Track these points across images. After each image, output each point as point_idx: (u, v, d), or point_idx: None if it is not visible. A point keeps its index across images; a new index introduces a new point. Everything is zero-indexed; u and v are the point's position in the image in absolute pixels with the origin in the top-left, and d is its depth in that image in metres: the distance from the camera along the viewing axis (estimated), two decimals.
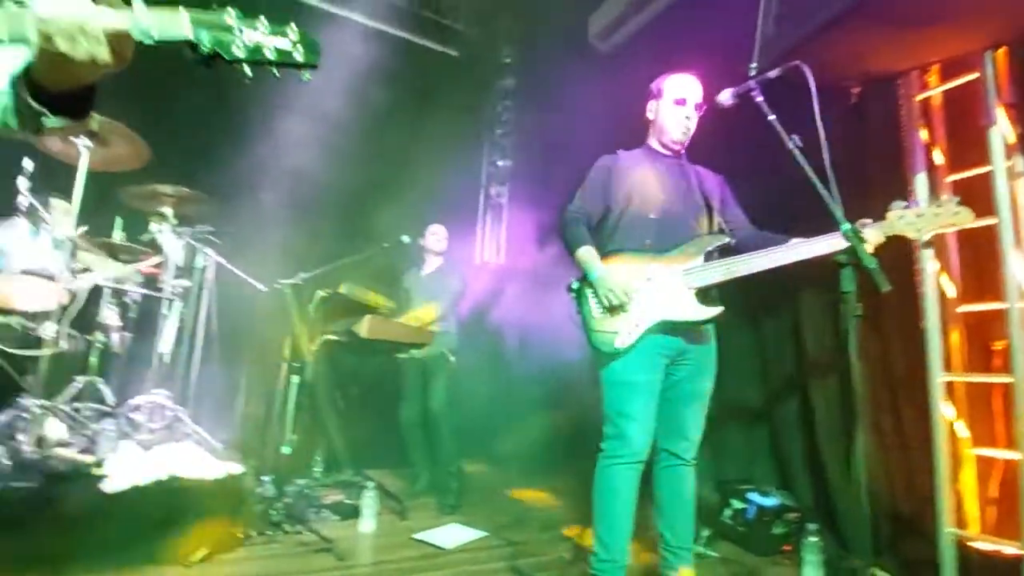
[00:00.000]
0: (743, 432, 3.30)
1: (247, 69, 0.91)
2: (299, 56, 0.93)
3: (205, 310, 3.52)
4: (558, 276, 2.08)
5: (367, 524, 2.84)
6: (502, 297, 4.56)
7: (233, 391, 4.16)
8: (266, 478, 2.95)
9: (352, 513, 2.93)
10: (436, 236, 3.88)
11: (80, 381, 3.01)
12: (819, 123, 1.61)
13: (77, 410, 2.94)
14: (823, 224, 1.67)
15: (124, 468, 2.46)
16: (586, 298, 2.04)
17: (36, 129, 0.95)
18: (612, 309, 1.95)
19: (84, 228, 2.85)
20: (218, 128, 3.87)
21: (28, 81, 0.88)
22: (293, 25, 0.94)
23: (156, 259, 3.16)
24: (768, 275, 1.88)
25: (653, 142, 2.21)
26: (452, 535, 2.83)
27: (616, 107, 2.28)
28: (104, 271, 3.00)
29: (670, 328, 1.97)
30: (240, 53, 0.89)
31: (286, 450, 3.03)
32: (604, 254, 2.04)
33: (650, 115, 2.21)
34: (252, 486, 2.81)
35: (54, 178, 2.85)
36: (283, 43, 0.92)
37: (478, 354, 4.30)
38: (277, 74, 0.94)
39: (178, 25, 0.86)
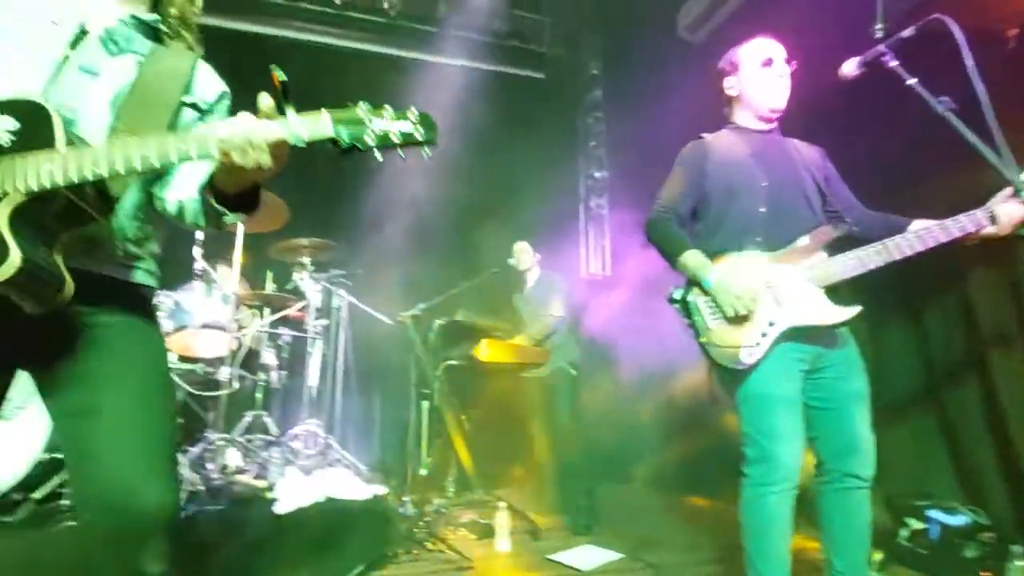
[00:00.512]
0: (910, 440, 2.87)
1: (378, 155, 1.03)
2: (420, 136, 1.03)
3: (343, 346, 3.89)
4: (668, 284, 1.93)
5: (502, 544, 2.89)
6: (611, 309, 4.49)
7: (371, 418, 4.55)
8: (406, 499, 3.14)
9: (487, 532, 3.01)
10: (521, 253, 3.94)
11: (249, 415, 3.47)
12: (975, 78, 1.38)
13: (250, 440, 3.39)
14: (953, 198, 1.43)
15: (290, 492, 2.78)
16: (696, 308, 1.80)
17: (218, 225, 1.16)
18: (735, 319, 1.71)
19: (244, 284, 3.32)
20: (341, 179, 4.32)
21: (211, 187, 1.07)
22: (413, 108, 1.04)
23: (300, 304, 3.57)
24: (916, 259, 1.64)
25: (741, 118, 1.93)
26: (588, 556, 2.78)
27: (712, 99, 2.12)
28: (262, 320, 3.46)
29: (803, 335, 1.72)
30: (372, 142, 1.00)
31: (423, 472, 3.22)
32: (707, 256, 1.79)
33: (731, 91, 1.93)
34: (395, 506, 3.01)
35: (219, 245, 3.37)
36: (406, 126, 1.02)
37: (593, 369, 4.26)
38: (403, 156, 1.05)
39: (322, 127, 0.99)
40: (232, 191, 1.05)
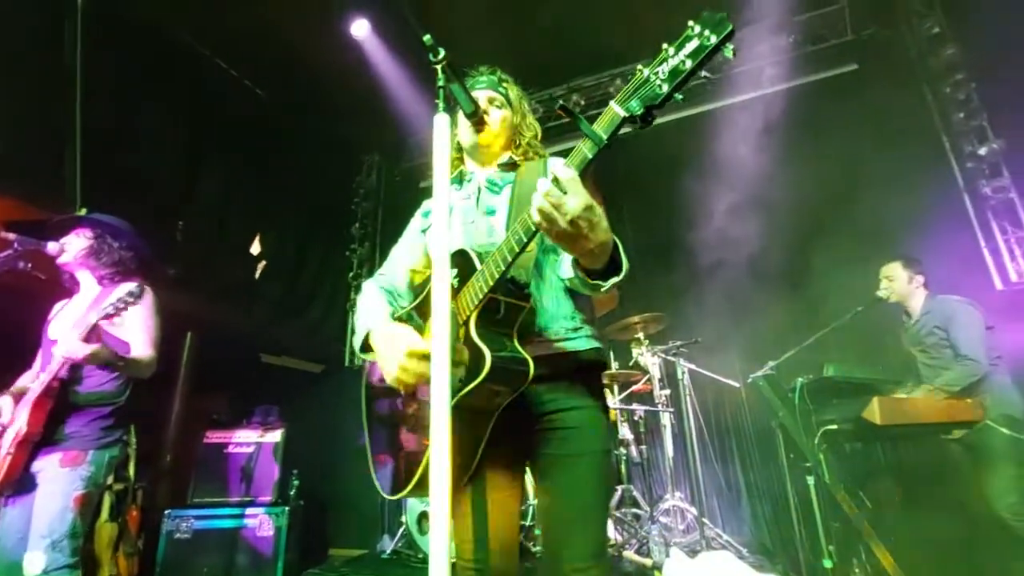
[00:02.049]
0: None
1: (678, 96, 0.94)
2: (711, 39, 0.90)
3: (691, 414, 3.79)
4: None
5: None
6: None
7: (735, 489, 4.20)
8: None
9: None
10: (892, 279, 3.10)
11: (619, 489, 3.66)
12: None
13: (623, 514, 3.55)
14: None
15: (678, 573, 2.73)
16: None
17: (597, 293, 1.24)
18: None
19: None
20: (661, 249, 4.40)
21: (578, 263, 1.18)
22: (691, 23, 0.92)
23: (644, 378, 3.67)
24: None
25: None
26: None
27: None
28: (614, 397, 3.68)
29: None
30: (665, 88, 0.93)
31: (827, 563, 2.72)
32: None
33: None
34: None
35: None
36: (691, 45, 0.91)
37: None
38: (706, 74, 0.93)
39: (613, 115, 0.97)
40: (591, 265, 1.10)
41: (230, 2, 3.84)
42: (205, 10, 3.88)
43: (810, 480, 2.81)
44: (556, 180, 0.97)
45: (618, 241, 1.10)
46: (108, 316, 1.88)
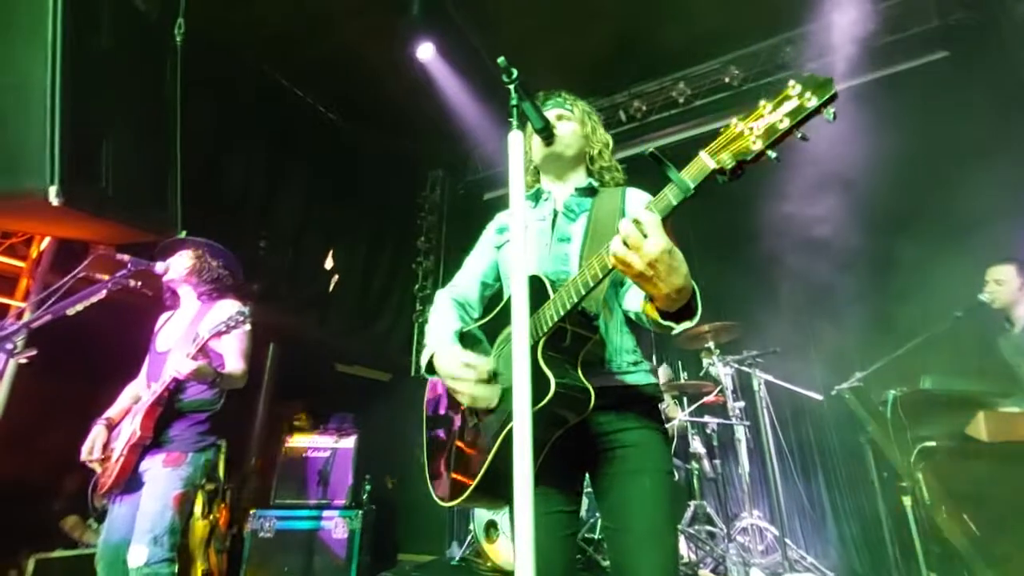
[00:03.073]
0: None
1: (771, 154, 0.91)
2: (812, 101, 0.88)
3: (768, 428, 3.60)
4: None
5: None
6: None
7: (820, 508, 3.93)
8: None
9: None
10: (998, 282, 2.82)
11: (691, 505, 3.52)
12: None
13: (697, 531, 3.41)
14: None
15: None
16: None
17: (670, 331, 1.22)
18: None
19: (666, 372, 3.54)
20: (724, 254, 4.24)
21: (650, 304, 1.16)
22: (791, 81, 0.90)
23: (716, 389, 3.54)
24: None
25: None
26: None
27: None
28: (683, 409, 3.57)
29: None
30: (759, 146, 0.91)
31: None
32: None
33: None
34: None
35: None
36: (790, 104, 0.90)
37: None
38: (803, 136, 0.90)
39: (703, 166, 0.96)
40: (666, 307, 1.07)
41: (301, 30, 4.13)
42: (284, 43, 4.19)
43: (906, 500, 2.60)
44: (637, 222, 0.97)
45: (696, 288, 1.09)
46: (219, 334, 2.04)
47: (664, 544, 1.23)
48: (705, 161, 0.96)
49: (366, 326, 5.08)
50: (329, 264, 4.88)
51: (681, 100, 4.73)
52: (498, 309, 1.41)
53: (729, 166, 0.94)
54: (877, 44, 4.23)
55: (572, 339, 1.22)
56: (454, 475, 1.35)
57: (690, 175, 0.97)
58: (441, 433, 1.47)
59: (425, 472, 1.46)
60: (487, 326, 1.43)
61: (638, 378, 1.34)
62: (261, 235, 4.29)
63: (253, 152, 4.27)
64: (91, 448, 2.17)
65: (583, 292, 1.14)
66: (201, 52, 3.58)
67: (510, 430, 1.15)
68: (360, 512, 3.78)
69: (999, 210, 3.22)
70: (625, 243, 0.97)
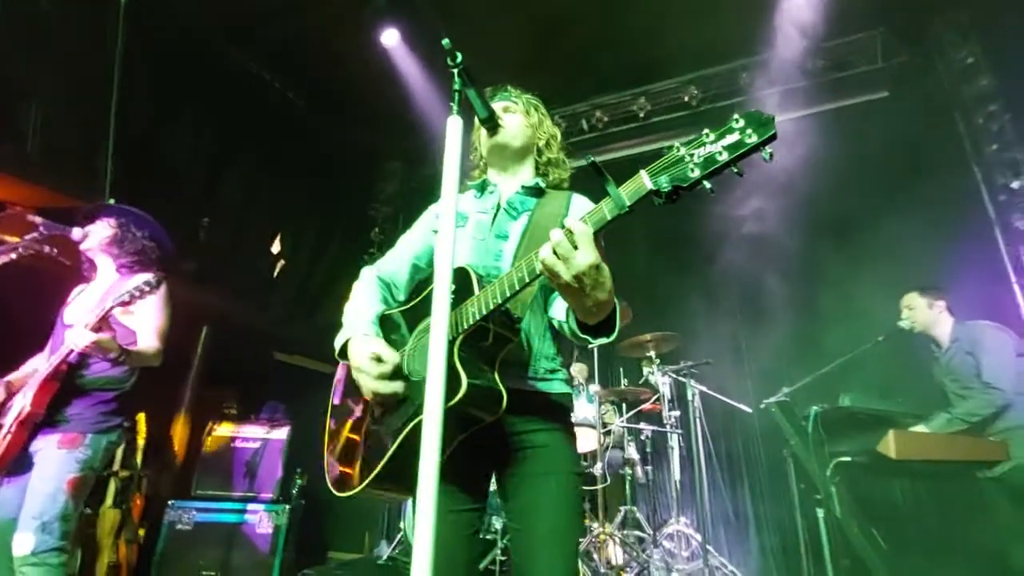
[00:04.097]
0: None
1: (707, 184, 0.92)
2: (752, 138, 0.89)
3: (701, 437, 3.71)
4: None
5: None
6: None
7: (743, 517, 4.08)
8: None
9: None
10: (914, 309, 3.03)
11: (623, 510, 3.57)
12: None
13: (626, 535, 3.46)
14: None
15: None
16: None
17: (579, 343, 1.25)
18: None
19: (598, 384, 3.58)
20: (670, 266, 4.36)
21: (572, 315, 1.17)
22: (735, 115, 0.91)
23: (653, 397, 3.61)
24: None
25: None
26: None
27: None
28: (621, 416, 3.62)
29: None
30: (696, 174, 0.91)
31: None
32: None
33: None
34: None
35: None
36: (731, 138, 0.90)
37: None
38: (738, 171, 0.91)
39: (640, 185, 0.95)
40: (585, 319, 1.09)
41: (266, 10, 3.98)
42: (241, 16, 4.02)
43: (820, 513, 2.71)
44: (569, 232, 0.96)
45: (617, 305, 1.09)
46: (123, 303, 1.91)
47: (565, 545, 1.23)
48: (644, 180, 0.95)
49: (310, 315, 4.93)
50: (276, 248, 4.71)
51: (641, 114, 4.84)
52: (422, 296, 1.37)
53: (666, 189, 0.94)
54: (824, 79, 4.46)
55: (493, 339, 1.21)
56: (351, 465, 1.31)
57: (627, 192, 0.97)
58: (342, 420, 1.43)
59: (324, 458, 1.41)
60: (409, 312, 1.39)
61: (553, 386, 1.35)
62: (203, 214, 4.09)
63: (203, 127, 4.07)
64: None
65: (508, 293, 1.12)
66: (149, 15, 3.40)
67: (416, 425, 1.15)
68: (287, 507, 3.65)
69: (922, 235, 3.45)
70: (555, 252, 0.97)
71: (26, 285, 2.64)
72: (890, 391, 3.01)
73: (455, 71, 1.21)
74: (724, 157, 0.90)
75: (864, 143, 3.99)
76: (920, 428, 2.80)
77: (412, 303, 1.41)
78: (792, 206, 3.78)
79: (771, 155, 0.90)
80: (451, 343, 1.16)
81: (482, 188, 1.54)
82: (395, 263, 1.56)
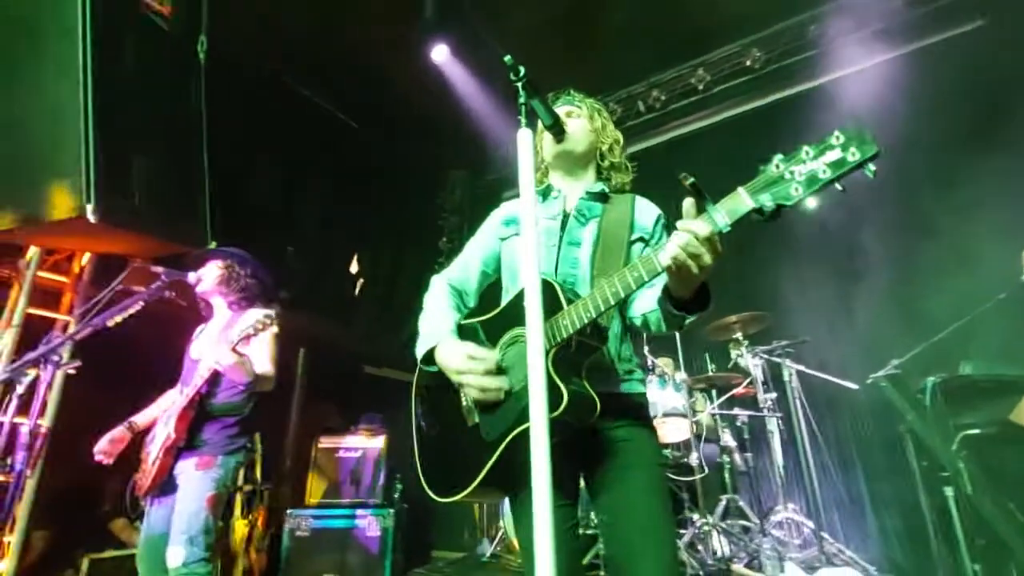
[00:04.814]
0: None
1: (812, 201, 0.92)
2: (855, 156, 0.88)
3: (802, 419, 3.52)
4: None
5: None
6: None
7: (858, 501, 3.82)
8: None
9: None
10: None
11: (724, 499, 3.47)
12: None
13: (730, 525, 3.36)
14: None
15: None
16: None
17: (680, 327, 1.26)
18: None
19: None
20: (758, 242, 4.13)
21: (668, 297, 1.18)
22: (837, 131, 0.90)
23: (745, 380, 3.47)
24: None
25: None
26: None
27: None
28: (712, 403, 3.51)
29: None
30: (799, 193, 0.92)
31: None
32: None
33: None
34: None
35: (659, 340, 3.70)
36: (832, 155, 0.90)
37: None
38: (842, 187, 0.91)
39: (741, 203, 0.97)
40: (686, 295, 1.13)
41: (320, 42, 4.21)
42: (300, 51, 4.27)
43: (948, 491, 2.50)
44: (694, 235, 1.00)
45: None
46: (247, 337, 2.10)
47: (664, 532, 1.25)
48: (744, 200, 0.98)
49: (392, 328, 5.16)
50: (354, 268, 4.96)
51: (700, 87, 4.64)
52: (503, 307, 1.41)
53: (769, 209, 0.95)
54: (907, 16, 4.06)
55: (578, 347, 1.23)
56: (450, 471, 1.36)
57: (730, 214, 0.99)
58: (435, 428, 1.48)
59: (418, 467, 1.47)
60: (486, 323, 1.42)
61: (633, 386, 1.39)
62: (287, 243, 4.39)
63: (276, 161, 4.37)
64: (103, 444, 2.29)
65: (602, 307, 1.15)
66: (223, 65, 3.69)
67: (518, 433, 1.20)
68: (392, 510, 3.85)
69: None
70: (686, 259, 1.01)
71: (152, 327, 2.96)
72: (1015, 355, 2.71)
73: (519, 84, 1.23)
74: (827, 175, 0.90)
75: (961, 82, 3.59)
76: None
77: (490, 314, 1.44)
78: (883, 164, 3.47)
79: (874, 172, 0.90)
80: (545, 355, 1.20)
81: (545, 194, 1.56)
82: (464, 271, 1.62)
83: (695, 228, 1.00)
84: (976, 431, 2.53)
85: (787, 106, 4.32)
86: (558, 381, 1.15)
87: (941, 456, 2.65)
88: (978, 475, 2.58)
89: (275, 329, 2.29)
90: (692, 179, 1.01)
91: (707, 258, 1.00)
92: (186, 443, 2.18)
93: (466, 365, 1.28)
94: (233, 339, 2.10)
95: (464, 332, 1.43)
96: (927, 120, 3.50)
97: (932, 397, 2.69)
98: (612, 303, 1.14)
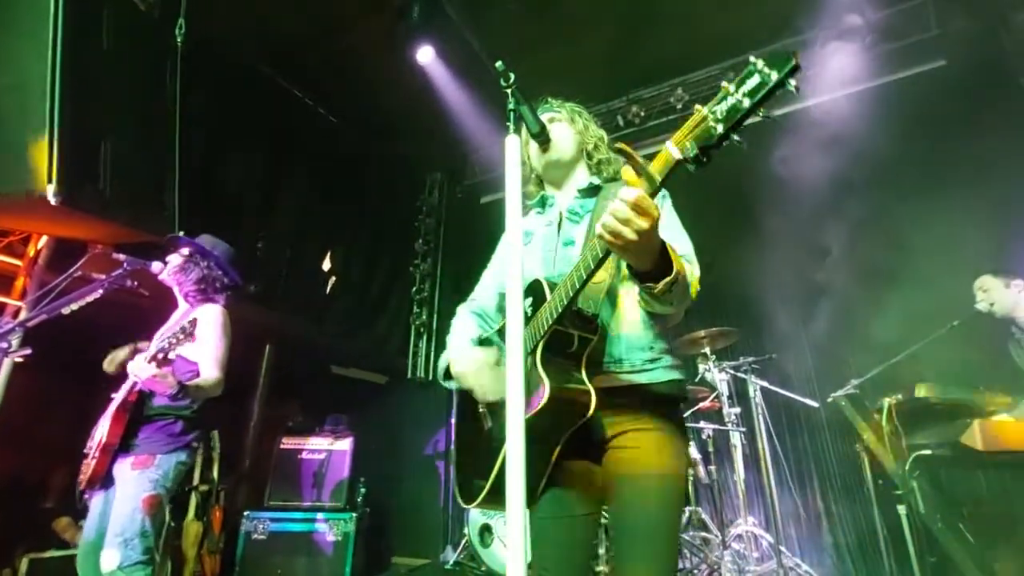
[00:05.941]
0: None
1: (736, 138, 0.88)
2: (772, 77, 0.83)
3: (765, 434, 3.59)
4: None
5: None
6: None
7: (814, 516, 3.92)
8: None
9: None
10: (989, 291, 2.86)
11: (688, 511, 3.50)
12: None
13: (692, 538, 3.39)
14: None
15: None
16: None
17: (663, 304, 1.20)
18: None
19: None
20: (729, 260, 4.20)
21: (635, 276, 1.14)
22: (752, 59, 0.86)
23: (711, 395, 3.53)
24: None
25: None
26: None
27: None
28: None
29: None
30: (720, 129, 0.87)
31: None
32: None
33: None
34: None
35: None
36: (753, 82, 0.85)
37: None
38: (765, 115, 0.87)
39: (668, 159, 0.95)
40: (645, 266, 1.09)
41: (303, 36, 4.15)
42: (285, 45, 4.20)
43: (901, 509, 2.59)
44: (623, 200, 0.98)
45: (667, 244, 1.09)
46: (167, 349, 1.97)
47: (662, 552, 1.19)
48: (670, 152, 0.94)
49: (362, 328, 5.07)
50: (327, 266, 4.87)
51: (679, 106, 4.74)
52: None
53: (692, 154, 0.91)
54: (877, 51, 4.24)
55: (572, 341, 1.22)
56: (473, 478, 1.36)
57: (657, 168, 0.97)
58: (464, 438, 1.50)
59: (453, 475, 1.48)
60: (501, 331, 1.46)
61: (655, 375, 1.27)
62: (259, 236, 4.29)
63: (253, 153, 4.27)
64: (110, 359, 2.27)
65: (571, 293, 1.14)
66: (202, 51, 3.60)
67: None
68: (354, 515, 3.77)
69: (992, 219, 3.23)
70: (615, 217, 0.98)
71: (110, 317, 2.85)
72: (971, 379, 2.83)
73: (509, 91, 1.24)
74: (747, 103, 0.85)
75: (923, 117, 3.77)
76: (1004, 416, 2.62)
77: (501, 325, 1.50)
78: (849, 191, 3.60)
79: (796, 87, 0.85)
80: (532, 351, 1.21)
81: (543, 203, 1.58)
82: (483, 295, 1.64)
83: (622, 193, 0.97)
84: (929, 452, 2.63)
85: (763, 127, 4.44)
86: (544, 375, 1.14)
87: (895, 475, 2.74)
88: (930, 494, 2.67)
89: (217, 326, 2.21)
90: (620, 145, 1.02)
91: (639, 221, 0.97)
92: (121, 444, 2.06)
93: (465, 366, 1.33)
94: (154, 350, 1.99)
95: (484, 344, 1.46)
96: (888, 150, 3.65)
97: (888, 417, 2.79)
98: (579, 286, 1.13)
